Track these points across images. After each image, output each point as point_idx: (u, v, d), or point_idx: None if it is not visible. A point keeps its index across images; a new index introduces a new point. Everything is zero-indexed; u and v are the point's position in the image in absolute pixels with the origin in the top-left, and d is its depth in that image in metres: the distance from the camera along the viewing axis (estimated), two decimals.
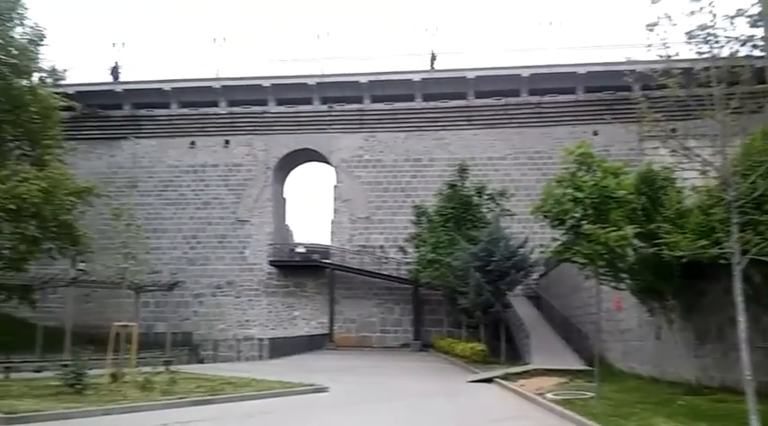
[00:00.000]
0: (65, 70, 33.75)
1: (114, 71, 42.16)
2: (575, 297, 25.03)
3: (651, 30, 12.44)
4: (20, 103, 28.88)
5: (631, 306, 17.39)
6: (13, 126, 29.58)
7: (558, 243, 14.05)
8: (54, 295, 34.76)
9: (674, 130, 14.67)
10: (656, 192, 13.71)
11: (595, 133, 37.27)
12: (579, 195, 12.64)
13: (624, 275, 14.08)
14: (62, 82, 33.19)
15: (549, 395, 14.18)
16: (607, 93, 37.04)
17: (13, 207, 25.72)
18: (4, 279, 23.16)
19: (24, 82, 29.76)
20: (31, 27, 30.65)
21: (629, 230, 12.20)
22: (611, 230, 12.07)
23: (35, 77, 30.89)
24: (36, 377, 17.75)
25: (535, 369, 19.02)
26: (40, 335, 22.12)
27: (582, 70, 37.79)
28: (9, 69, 29.01)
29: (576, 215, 12.58)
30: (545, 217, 13.57)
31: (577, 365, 19.58)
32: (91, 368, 14.96)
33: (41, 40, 30.97)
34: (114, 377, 15.06)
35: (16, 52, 28.93)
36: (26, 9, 30.18)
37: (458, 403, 14.74)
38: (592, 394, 13.38)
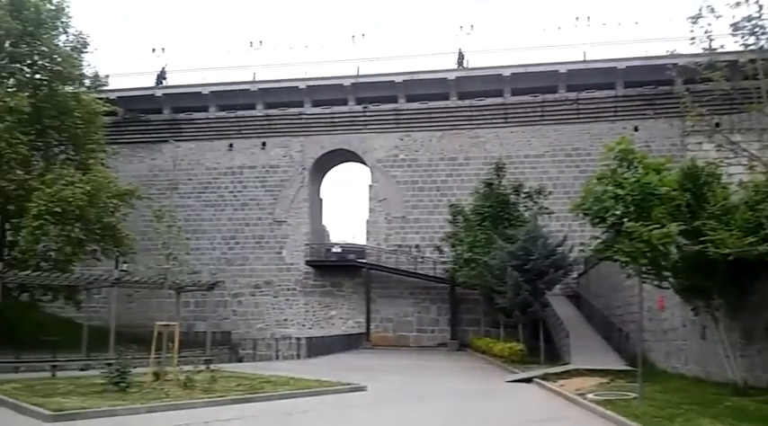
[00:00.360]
0: (107, 76, 34.63)
1: (161, 76, 43.04)
2: (615, 296, 24.58)
3: (694, 22, 12.18)
4: (64, 109, 29.69)
5: (675, 305, 17.02)
6: (58, 131, 30.45)
7: (599, 241, 13.79)
8: (98, 295, 35.58)
9: (718, 125, 14.32)
10: (700, 188, 13.37)
11: (636, 129, 36.59)
12: (620, 192, 12.37)
13: (667, 273, 13.75)
14: (104, 87, 34.07)
15: (590, 396, 13.93)
16: (648, 87, 36.29)
17: (58, 210, 26.45)
18: (51, 280, 23.78)
19: (68, 88, 30.59)
20: (75, 35, 31.52)
21: (674, 227, 11.90)
22: (654, 227, 11.79)
23: (78, 83, 31.71)
24: (81, 375, 18.16)
25: (575, 369, 18.71)
26: (85, 334, 22.64)
27: (621, 65, 37.06)
28: (54, 76, 29.89)
29: (618, 212, 12.32)
30: (585, 214, 13.33)
31: (619, 365, 19.20)
32: (134, 367, 15.27)
33: (85, 48, 31.80)
34: (157, 375, 15.32)
35: (60, 60, 29.75)
36: (70, 17, 31.02)
37: (496, 403, 14.62)
38: (634, 395, 13.11)
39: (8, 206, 28.52)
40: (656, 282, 14.13)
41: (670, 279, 14.09)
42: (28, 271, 22.93)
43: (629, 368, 18.03)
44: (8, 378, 17.22)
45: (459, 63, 40.28)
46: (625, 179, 12.60)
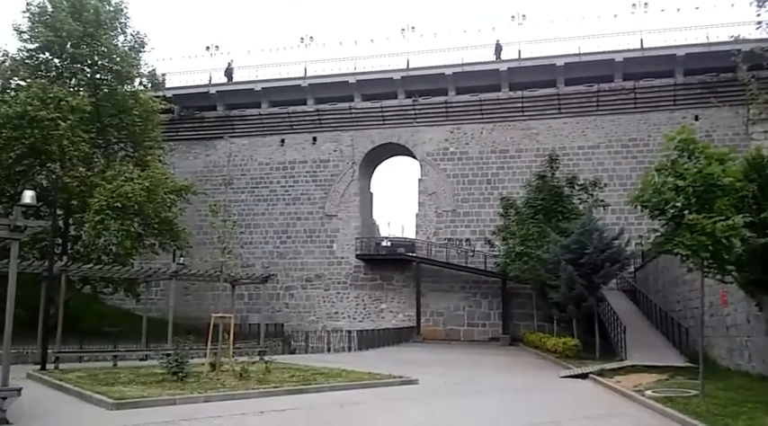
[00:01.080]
0: (163, 74, 35.56)
1: (228, 71, 43.88)
2: (674, 291, 23.83)
3: (761, 5, 11.60)
4: (123, 108, 30.62)
5: (738, 299, 16.36)
6: (117, 129, 31.44)
7: (658, 234, 13.34)
8: (156, 287, 36.77)
9: None
10: (766, 179, 12.78)
11: (696, 118, 35.38)
12: (681, 183, 11.90)
13: (731, 267, 13.18)
14: (161, 85, 34.99)
15: (649, 393, 13.53)
16: (709, 75, 34.98)
17: (118, 205, 27.33)
18: (112, 273, 24.61)
19: (127, 87, 31.53)
20: (133, 35, 32.44)
21: (739, 219, 11.40)
22: (718, 220, 11.34)
23: (136, 82, 32.65)
24: (141, 365, 18.78)
25: (632, 366, 18.24)
26: (144, 326, 23.38)
27: (681, 52, 35.82)
28: (113, 76, 30.86)
29: (678, 204, 11.87)
30: (643, 207, 12.90)
31: (678, 362, 18.62)
32: (191, 357, 15.67)
33: (143, 47, 32.70)
34: (213, 365, 15.67)
35: (119, 59, 30.67)
36: (128, 18, 31.94)
37: (551, 398, 14.37)
38: (695, 392, 12.67)
39: (71, 202, 29.65)
40: (718, 276, 13.59)
41: (733, 273, 13.53)
42: (90, 265, 23.74)
43: (689, 364, 17.49)
44: (72, 368, 17.97)
45: (498, 55, 39.65)
46: (686, 170, 12.12)
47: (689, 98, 36.07)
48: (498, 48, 39.69)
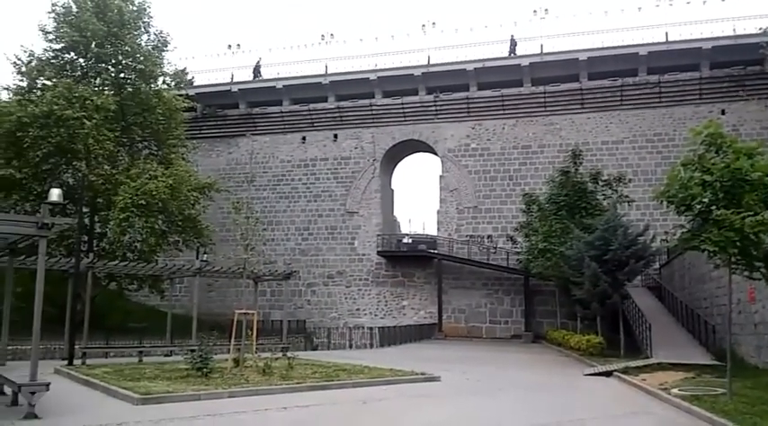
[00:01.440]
0: (187, 73, 35.83)
1: (256, 69, 44.15)
2: (701, 288, 23.47)
3: None
4: (147, 106, 30.91)
5: (767, 296, 16.07)
6: (141, 128, 31.76)
7: (684, 230, 13.14)
8: (180, 284, 37.10)
9: None
10: None
11: (723, 112, 34.78)
12: (708, 178, 11.71)
13: (759, 263, 12.94)
14: (183, 84, 35.28)
15: (675, 391, 13.35)
16: (736, 68, 34.32)
17: (143, 203, 27.64)
18: (137, 270, 24.92)
19: (151, 86, 31.84)
20: (156, 34, 32.74)
21: None
22: (747, 215, 11.13)
23: (160, 81, 32.94)
24: (166, 361, 18.99)
25: (658, 363, 18.00)
26: (169, 322, 23.65)
27: (707, 45, 35.17)
28: (137, 75, 31.18)
29: (705, 200, 11.68)
30: (669, 202, 12.70)
31: (704, 360, 18.34)
32: (215, 353, 15.81)
33: (165, 46, 32.98)
34: (237, 361, 15.79)
35: (143, 58, 30.98)
36: (151, 17, 32.25)
37: (575, 396, 14.24)
38: (722, 391, 12.47)
39: (97, 199, 30.05)
40: (746, 273, 13.35)
41: (762, 270, 13.26)
42: (115, 262, 24.03)
43: (716, 362, 17.23)
44: (99, 363, 18.25)
45: (512, 50, 39.31)
46: (713, 164, 11.92)
47: (715, 92, 35.46)
48: (513, 44, 39.38)
